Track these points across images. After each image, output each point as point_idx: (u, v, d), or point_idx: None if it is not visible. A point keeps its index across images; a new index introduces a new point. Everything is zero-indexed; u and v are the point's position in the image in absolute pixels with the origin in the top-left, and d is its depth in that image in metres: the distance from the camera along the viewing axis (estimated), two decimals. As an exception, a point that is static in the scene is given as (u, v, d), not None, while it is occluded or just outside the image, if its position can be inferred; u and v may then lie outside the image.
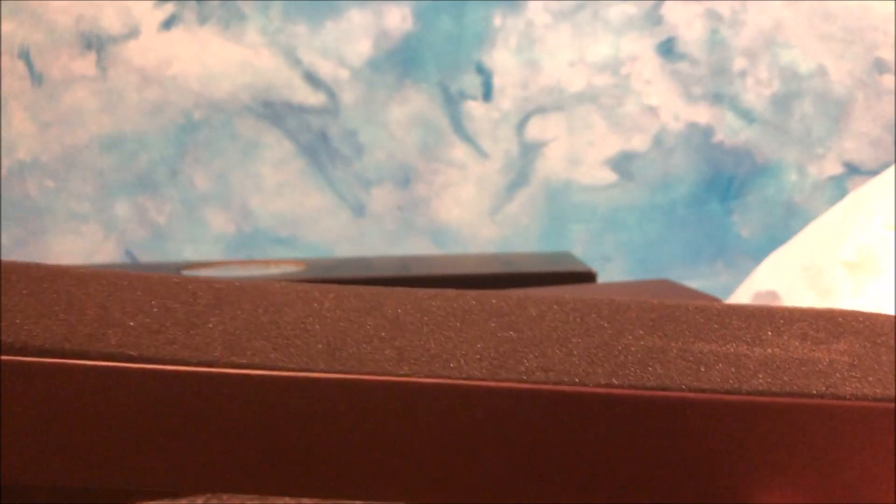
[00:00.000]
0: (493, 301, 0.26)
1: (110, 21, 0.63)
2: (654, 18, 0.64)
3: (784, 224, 0.65)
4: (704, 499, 0.22)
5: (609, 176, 0.66)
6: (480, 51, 0.64)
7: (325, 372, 0.21)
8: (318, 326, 0.23)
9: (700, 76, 0.65)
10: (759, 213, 0.66)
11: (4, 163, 0.65)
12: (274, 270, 0.48)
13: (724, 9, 0.64)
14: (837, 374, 0.22)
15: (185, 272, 0.46)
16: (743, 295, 0.48)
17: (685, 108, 0.65)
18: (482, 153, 0.65)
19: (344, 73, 0.65)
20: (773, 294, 0.48)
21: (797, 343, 0.24)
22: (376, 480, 0.22)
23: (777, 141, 0.65)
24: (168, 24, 0.63)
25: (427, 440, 0.22)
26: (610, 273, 0.67)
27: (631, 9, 0.64)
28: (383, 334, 0.23)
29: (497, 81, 0.65)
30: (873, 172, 0.64)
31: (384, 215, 0.66)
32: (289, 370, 0.21)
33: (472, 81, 0.65)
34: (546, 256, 0.51)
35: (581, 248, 0.66)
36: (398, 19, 0.64)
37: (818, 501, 0.22)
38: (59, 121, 0.65)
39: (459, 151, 0.66)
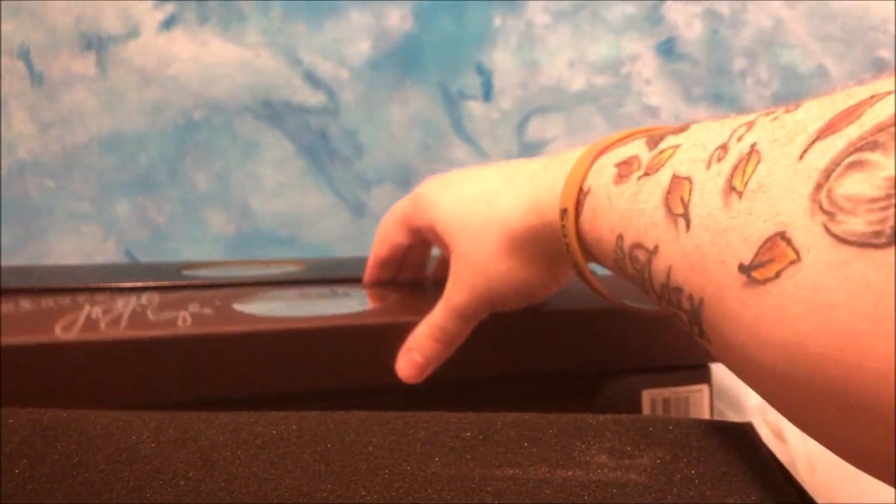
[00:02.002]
0: (314, 425, 0.26)
1: (110, 21, 0.63)
2: (654, 18, 0.64)
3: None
4: None
5: (609, 176, 0.65)
6: (480, 51, 0.64)
7: None
8: (127, 468, 0.23)
9: (700, 76, 0.65)
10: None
11: (4, 163, 0.65)
12: (274, 270, 0.48)
13: (724, 9, 0.64)
14: (628, 500, 0.23)
15: (186, 272, 0.46)
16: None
17: (685, 108, 0.65)
18: (482, 153, 0.65)
19: (344, 73, 0.65)
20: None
21: (604, 458, 0.25)
22: None
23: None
24: (168, 24, 0.63)
25: None
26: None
27: (631, 9, 0.64)
28: (191, 474, 0.23)
29: (497, 81, 0.65)
30: (873, 172, 0.64)
31: (384, 215, 0.66)
32: None
33: (472, 81, 0.65)
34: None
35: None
36: (398, 19, 0.64)
37: None
38: (59, 121, 0.65)
39: (459, 151, 0.66)
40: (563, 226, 0.29)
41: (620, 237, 0.25)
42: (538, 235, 0.32)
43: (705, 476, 0.24)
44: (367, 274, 0.43)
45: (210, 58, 0.64)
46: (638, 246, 0.24)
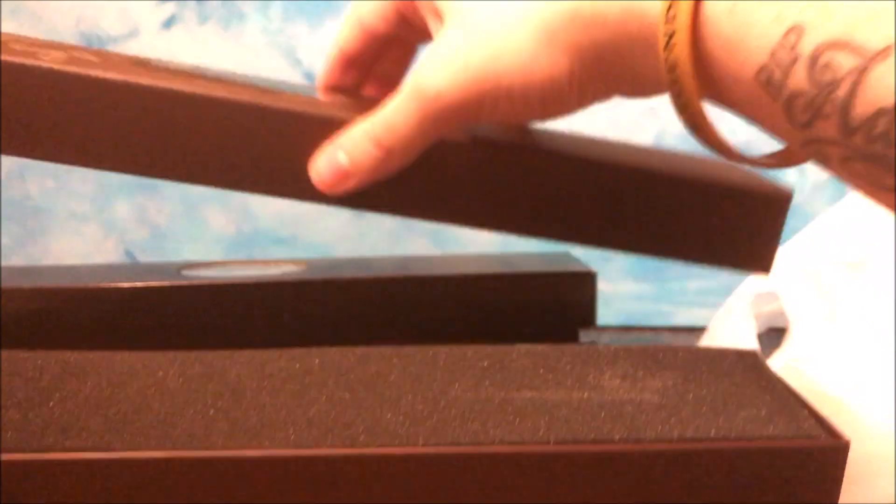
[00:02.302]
0: (336, 359, 0.27)
1: (110, 21, 0.63)
2: (654, 18, 0.64)
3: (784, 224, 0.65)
4: None
5: (609, 176, 0.65)
6: (480, 51, 0.64)
7: (154, 450, 0.22)
8: (157, 400, 0.24)
9: (700, 76, 0.64)
10: (759, 214, 0.66)
11: (4, 163, 0.65)
12: (274, 270, 0.48)
13: (724, 9, 0.64)
14: (643, 417, 0.24)
15: (185, 272, 0.46)
16: (743, 295, 0.48)
17: (685, 108, 0.64)
18: (482, 153, 0.65)
19: (344, 73, 0.65)
20: (773, 294, 0.48)
21: (617, 382, 0.26)
22: None
23: (777, 141, 0.65)
24: (168, 24, 0.63)
25: None
26: (610, 273, 0.67)
27: (631, 9, 0.64)
28: (220, 404, 0.24)
29: (497, 81, 0.65)
30: (873, 172, 0.64)
31: (384, 215, 0.66)
32: (119, 451, 0.22)
33: (472, 81, 0.65)
34: (545, 256, 0.51)
35: (581, 247, 0.66)
36: (398, 19, 0.64)
37: None
38: (59, 121, 0.65)
39: (459, 151, 0.65)
40: (671, 5, 0.19)
41: (796, 30, 0.17)
42: (601, 16, 0.21)
43: (717, 394, 0.25)
44: (324, 75, 0.31)
45: (210, 58, 0.64)
46: (839, 46, 0.16)
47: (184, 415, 0.23)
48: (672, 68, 0.20)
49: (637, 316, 0.67)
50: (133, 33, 0.63)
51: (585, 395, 0.25)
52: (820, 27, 0.17)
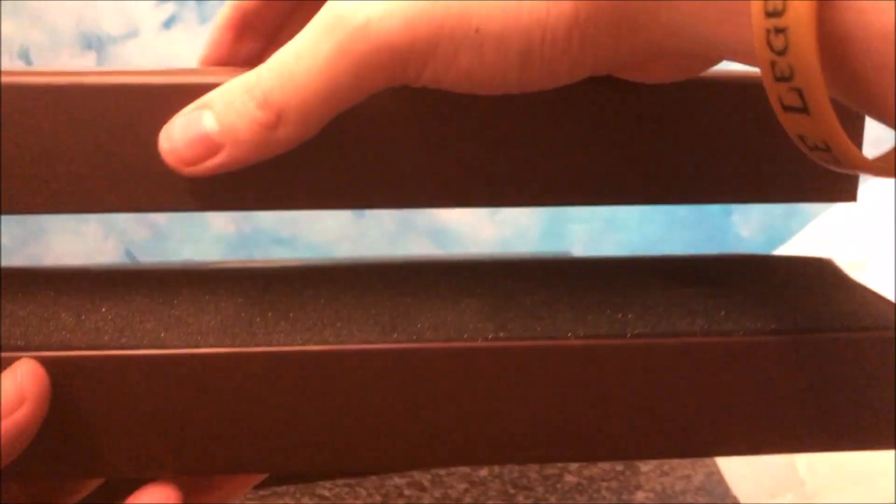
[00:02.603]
0: (391, 269, 0.26)
1: (110, 21, 0.63)
2: (654, 18, 0.64)
3: (784, 224, 0.65)
4: (589, 445, 0.23)
5: (609, 176, 0.65)
6: (480, 51, 0.64)
7: (213, 347, 0.22)
8: (212, 305, 0.23)
9: (700, 76, 0.65)
10: (759, 213, 0.66)
11: (4, 163, 0.65)
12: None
13: (724, 9, 0.64)
14: (721, 312, 0.23)
15: None
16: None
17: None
18: (482, 153, 0.65)
19: (344, 73, 0.65)
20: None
21: (688, 287, 0.25)
22: (269, 451, 0.22)
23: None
24: (168, 24, 0.63)
25: (319, 405, 0.22)
26: (610, 273, 0.67)
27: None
28: (279, 308, 0.24)
29: (497, 81, 0.65)
30: (873, 172, 0.64)
31: (384, 215, 0.66)
32: (176, 348, 0.21)
33: (472, 81, 0.65)
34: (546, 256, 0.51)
35: (581, 248, 0.66)
36: (398, 19, 0.64)
37: (696, 441, 0.23)
38: (59, 121, 0.65)
39: (459, 151, 0.65)
40: None
41: None
42: None
43: (797, 291, 0.24)
44: (210, 44, 0.23)
45: (210, 58, 0.64)
46: None
47: (241, 317, 0.23)
48: (776, 12, 0.13)
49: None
50: (133, 33, 0.63)
51: (657, 293, 0.24)
52: None
